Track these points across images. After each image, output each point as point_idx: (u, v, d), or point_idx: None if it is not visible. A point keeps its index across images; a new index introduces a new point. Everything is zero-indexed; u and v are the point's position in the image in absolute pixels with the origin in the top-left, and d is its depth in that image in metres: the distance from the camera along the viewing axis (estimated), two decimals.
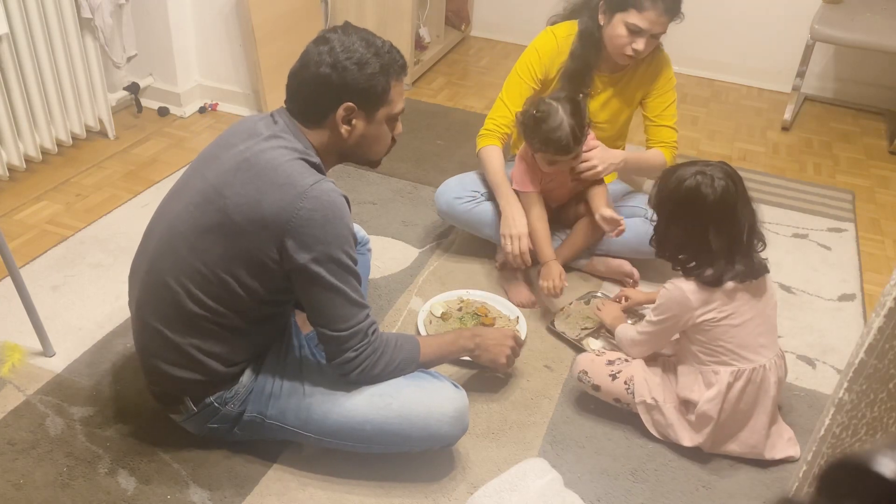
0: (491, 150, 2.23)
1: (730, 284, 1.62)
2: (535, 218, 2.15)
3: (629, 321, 2.01)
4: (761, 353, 1.65)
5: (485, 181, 2.30)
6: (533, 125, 2.03)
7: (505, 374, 1.92)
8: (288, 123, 1.51)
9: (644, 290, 2.20)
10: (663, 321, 1.70)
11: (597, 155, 2.14)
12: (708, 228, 1.60)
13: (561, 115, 1.99)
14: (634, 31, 2.06)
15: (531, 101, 2.10)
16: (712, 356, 1.65)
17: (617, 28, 2.08)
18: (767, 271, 1.67)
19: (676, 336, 1.76)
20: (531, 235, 2.13)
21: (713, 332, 1.64)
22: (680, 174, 1.63)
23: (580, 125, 2.01)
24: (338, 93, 1.47)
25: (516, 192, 2.17)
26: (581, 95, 2.12)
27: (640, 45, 2.08)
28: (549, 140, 2.01)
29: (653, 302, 1.96)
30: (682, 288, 1.64)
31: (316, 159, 1.50)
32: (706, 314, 1.63)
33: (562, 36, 2.24)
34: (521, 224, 2.11)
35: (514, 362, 1.83)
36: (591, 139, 2.15)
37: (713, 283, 1.62)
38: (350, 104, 1.48)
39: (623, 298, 2.11)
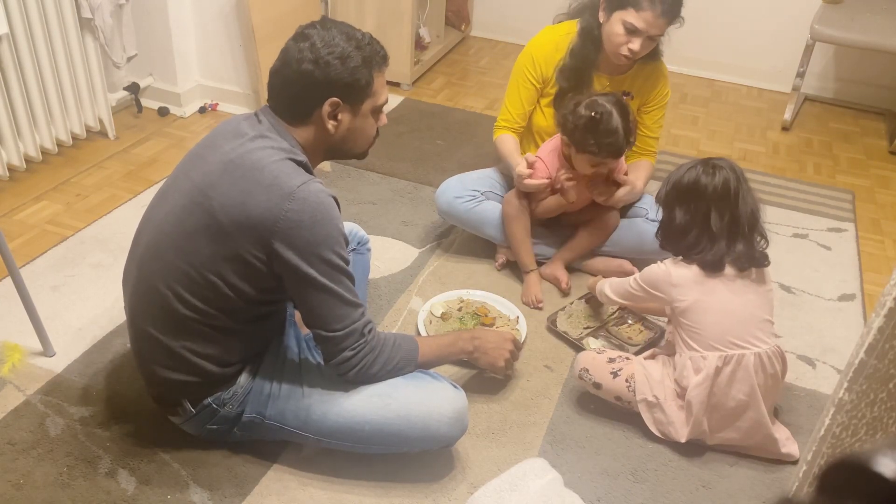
0: (505, 137, 2.31)
1: (728, 271, 1.68)
2: (521, 227, 2.22)
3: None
4: (752, 344, 1.66)
5: (485, 180, 2.32)
6: (592, 127, 2.02)
7: (503, 377, 1.92)
8: (273, 122, 1.50)
9: None
10: (640, 288, 1.79)
11: (624, 189, 2.18)
12: (710, 210, 1.68)
13: (616, 118, 2.00)
14: (631, 31, 2.06)
15: (579, 102, 2.06)
16: (699, 342, 1.68)
17: (615, 26, 2.08)
18: (768, 262, 1.71)
19: (671, 330, 1.77)
20: (515, 246, 2.24)
21: (697, 315, 1.67)
22: (683, 167, 1.74)
23: (629, 129, 2.03)
24: (322, 89, 1.46)
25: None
26: (623, 95, 2.12)
27: (636, 45, 2.07)
28: (603, 144, 2.03)
29: (620, 270, 2.21)
30: (668, 265, 1.73)
31: (302, 157, 1.49)
32: (687, 293, 1.68)
33: (561, 33, 2.24)
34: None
35: (512, 366, 1.83)
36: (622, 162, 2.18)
37: (714, 267, 1.67)
38: (335, 99, 1.47)
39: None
